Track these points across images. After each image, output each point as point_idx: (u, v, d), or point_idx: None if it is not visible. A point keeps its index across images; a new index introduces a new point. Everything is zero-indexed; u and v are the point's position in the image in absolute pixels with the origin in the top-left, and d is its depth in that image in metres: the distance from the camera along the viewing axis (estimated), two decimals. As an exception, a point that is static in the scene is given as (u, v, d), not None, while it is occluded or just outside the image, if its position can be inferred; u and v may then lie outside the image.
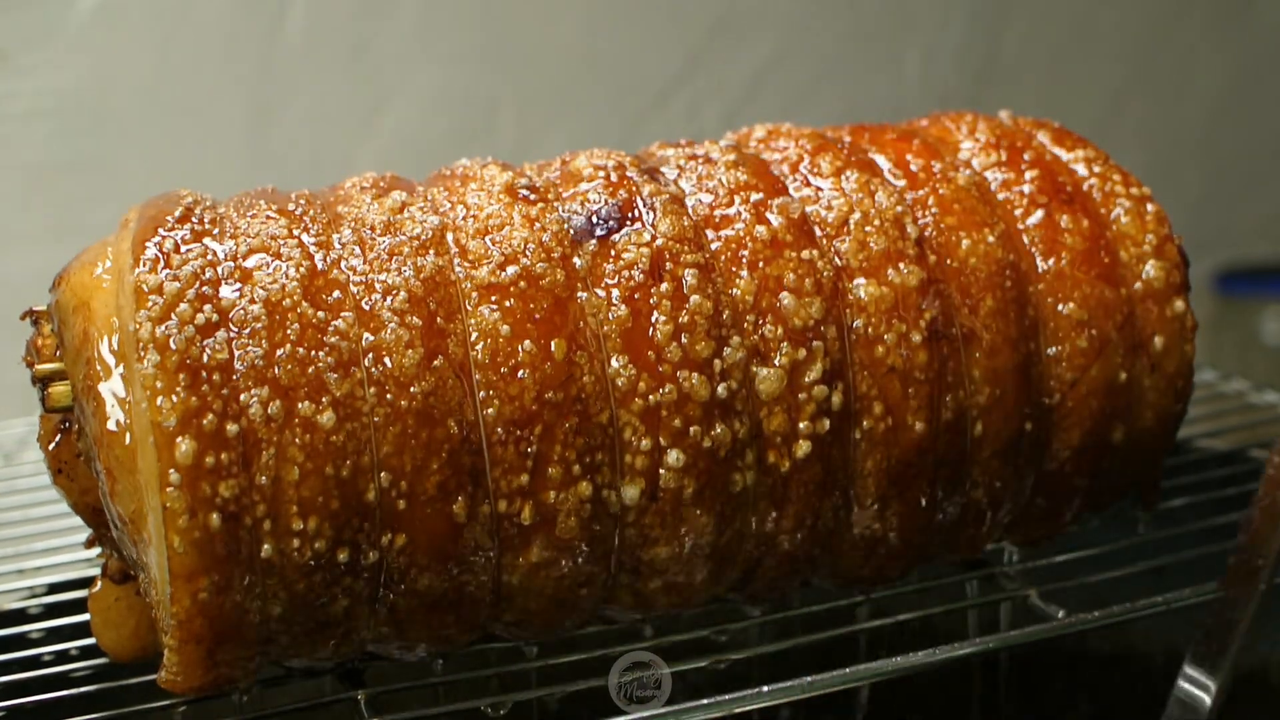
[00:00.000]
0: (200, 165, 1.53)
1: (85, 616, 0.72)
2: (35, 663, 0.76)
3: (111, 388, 0.61)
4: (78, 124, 1.50)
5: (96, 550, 0.72)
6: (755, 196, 0.71)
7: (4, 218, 1.49)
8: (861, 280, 0.70)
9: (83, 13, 1.47)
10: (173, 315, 0.60)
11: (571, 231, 0.67)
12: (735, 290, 0.67)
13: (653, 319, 0.65)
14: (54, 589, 0.88)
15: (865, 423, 0.69)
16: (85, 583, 0.84)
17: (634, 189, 0.70)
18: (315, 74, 1.58)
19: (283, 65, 1.56)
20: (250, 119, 1.57)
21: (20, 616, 0.86)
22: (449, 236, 0.66)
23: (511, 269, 0.65)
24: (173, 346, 0.59)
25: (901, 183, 0.75)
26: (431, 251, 0.65)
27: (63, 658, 0.77)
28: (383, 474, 0.61)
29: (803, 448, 0.67)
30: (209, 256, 0.62)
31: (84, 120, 1.50)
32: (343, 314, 0.62)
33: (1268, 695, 0.99)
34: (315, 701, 0.70)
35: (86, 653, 0.75)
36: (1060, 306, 0.74)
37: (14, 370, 0.78)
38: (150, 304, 0.60)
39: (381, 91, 1.62)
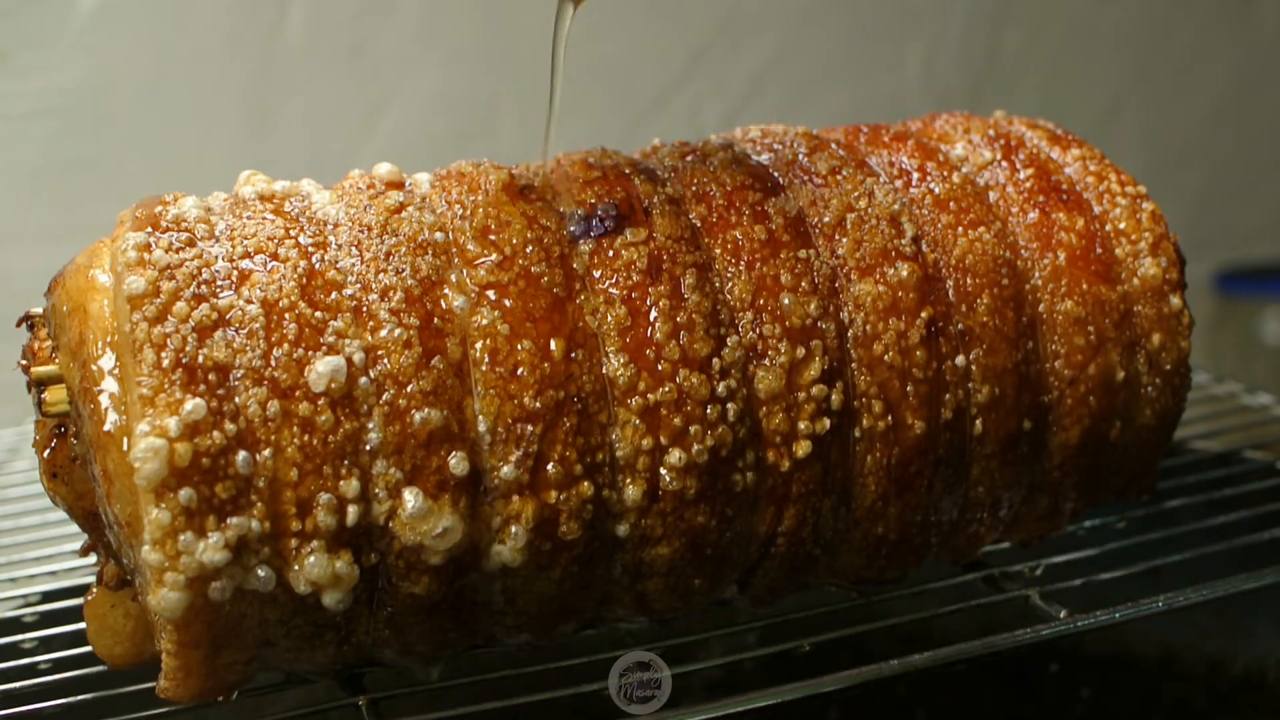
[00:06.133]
0: (200, 165, 1.53)
1: (79, 625, 0.71)
2: (29, 672, 0.76)
3: (108, 389, 0.60)
4: (78, 124, 1.50)
5: (91, 559, 0.71)
6: (752, 197, 0.70)
7: (4, 218, 1.49)
8: (859, 279, 0.70)
9: (83, 13, 1.47)
10: (169, 316, 0.59)
11: (569, 231, 0.67)
12: (733, 290, 0.67)
13: (651, 318, 0.65)
14: (47, 597, 0.88)
15: (865, 421, 0.69)
16: (79, 591, 0.83)
17: (631, 189, 0.70)
18: (315, 74, 1.58)
19: (283, 65, 1.56)
20: (250, 119, 1.57)
21: (14, 625, 0.85)
22: (447, 236, 0.66)
23: (510, 269, 0.64)
24: (169, 347, 0.59)
25: (898, 182, 0.75)
26: (429, 251, 0.65)
27: (57, 666, 0.76)
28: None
29: (803, 447, 0.67)
30: (205, 257, 0.62)
31: (84, 120, 1.50)
32: (340, 314, 0.62)
33: (1268, 695, 0.99)
34: (316, 707, 0.69)
35: (81, 661, 0.74)
36: (1058, 304, 0.74)
37: (3, 377, 0.78)
38: (146, 305, 0.59)
39: (381, 91, 1.62)
